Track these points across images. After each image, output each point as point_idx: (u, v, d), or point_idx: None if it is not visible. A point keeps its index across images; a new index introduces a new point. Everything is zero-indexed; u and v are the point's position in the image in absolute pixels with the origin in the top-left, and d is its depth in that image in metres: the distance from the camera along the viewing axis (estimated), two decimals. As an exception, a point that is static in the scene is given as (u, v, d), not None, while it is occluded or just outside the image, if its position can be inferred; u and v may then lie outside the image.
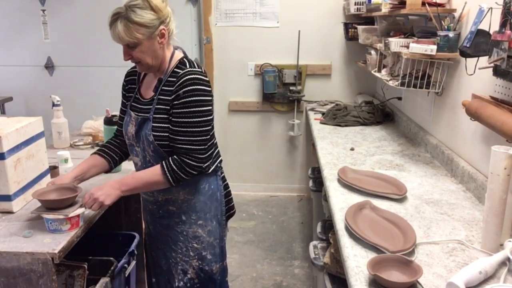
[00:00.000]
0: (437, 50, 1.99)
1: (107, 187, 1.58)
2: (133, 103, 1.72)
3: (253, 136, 4.09)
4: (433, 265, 1.29)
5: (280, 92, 3.90)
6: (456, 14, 2.03)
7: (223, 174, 1.84)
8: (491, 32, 1.54)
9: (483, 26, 1.62)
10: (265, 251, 3.17)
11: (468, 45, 1.65)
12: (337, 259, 1.71)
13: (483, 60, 1.62)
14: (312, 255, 1.90)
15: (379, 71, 2.81)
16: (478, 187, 1.75)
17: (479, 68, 1.69)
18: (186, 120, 1.56)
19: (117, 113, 1.89)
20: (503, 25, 1.43)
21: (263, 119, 4.05)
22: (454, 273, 1.21)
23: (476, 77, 1.80)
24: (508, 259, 1.25)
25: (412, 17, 2.67)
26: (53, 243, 1.46)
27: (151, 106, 1.63)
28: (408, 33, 2.39)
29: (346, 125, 3.01)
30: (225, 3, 3.80)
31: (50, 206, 1.56)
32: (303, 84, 3.89)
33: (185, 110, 1.55)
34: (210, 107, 1.60)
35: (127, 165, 2.02)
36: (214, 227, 1.78)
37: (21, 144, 1.70)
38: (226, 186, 1.85)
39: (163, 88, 1.61)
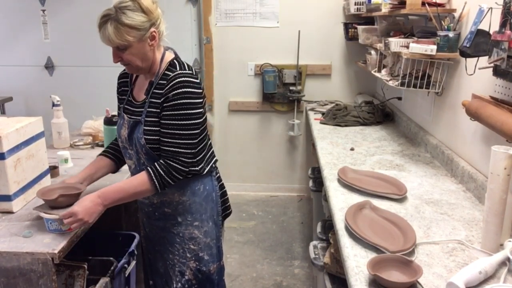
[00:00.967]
0: (437, 50, 1.99)
1: (88, 203, 1.50)
2: (126, 106, 1.72)
3: (253, 136, 4.09)
4: (433, 265, 1.29)
5: (280, 92, 3.90)
6: (456, 14, 2.03)
7: (218, 175, 1.83)
8: (491, 32, 1.54)
9: (483, 26, 1.62)
10: (265, 251, 3.17)
11: (468, 45, 1.65)
12: (337, 259, 1.71)
13: (483, 60, 1.62)
14: (312, 255, 1.90)
15: (379, 71, 2.81)
16: (478, 187, 1.75)
17: (479, 68, 1.69)
18: (174, 122, 1.54)
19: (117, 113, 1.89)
20: (503, 25, 1.43)
21: (263, 119, 4.05)
22: (454, 273, 1.21)
23: (476, 77, 1.80)
24: (508, 259, 1.25)
25: (412, 17, 2.67)
26: (53, 243, 1.46)
27: (143, 109, 1.61)
28: (408, 33, 2.39)
29: (346, 125, 3.01)
30: (225, 3, 3.80)
31: (53, 205, 1.56)
32: (303, 84, 3.89)
33: (173, 112, 1.53)
34: (200, 110, 1.58)
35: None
36: (211, 228, 1.77)
37: (21, 144, 1.70)
38: (222, 186, 1.84)
39: (154, 91, 1.59)
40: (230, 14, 3.83)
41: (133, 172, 1.73)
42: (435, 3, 2.07)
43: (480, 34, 1.62)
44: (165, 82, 1.56)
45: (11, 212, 1.67)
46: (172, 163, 1.55)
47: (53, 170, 2.01)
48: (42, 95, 3.85)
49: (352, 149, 2.45)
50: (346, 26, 3.64)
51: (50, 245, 1.45)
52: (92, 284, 1.73)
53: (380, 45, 2.63)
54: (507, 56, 1.42)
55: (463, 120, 1.95)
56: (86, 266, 1.74)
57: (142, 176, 1.55)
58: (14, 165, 1.65)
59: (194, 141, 1.58)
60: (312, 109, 3.61)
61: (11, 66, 4.07)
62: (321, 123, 3.11)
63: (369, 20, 3.32)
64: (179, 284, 1.77)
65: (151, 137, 1.57)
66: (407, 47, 2.15)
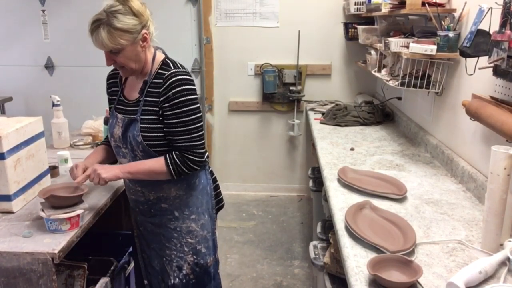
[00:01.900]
0: (437, 50, 1.99)
1: (107, 165, 1.67)
2: (117, 105, 1.74)
3: (253, 136, 4.09)
4: (433, 265, 1.29)
5: (280, 92, 3.90)
6: (456, 14, 2.03)
7: (210, 168, 1.89)
8: (491, 32, 1.54)
9: (483, 26, 1.62)
10: (265, 251, 3.17)
11: (468, 45, 1.65)
12: (337, 259, 1.71)
13: (483, 60, 1.62)
14: (312, 255, 1.90)
15: (379, 71, 2.81)
16: (478, 187, 1.75)
17: (479, 68, 1.69)
18: (181, 120, 1.59)
19: None
20: (503, 25, 1.43)
21: (263, 119, 4.05)
22: (454, 273, 1.21)
23: (476, 77, 1.80)
24: (508, 259, 1.25)
25: (412, 17, 2.67)
26: (53, 243, 1.46)
27: (137, 108, 1.65)
28: (408, 33, 2.39)
29: (346, 125, 3.01)
30: (225, 3, 3.80)
31: (55, 204, 1.56)
32: (303, 84, 3.89)
33: (178, 111, 1.59)
34: (198, 104, 1.65)
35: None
36: (206, 221, 1.81)
37: (21, 144, 1.70)
38: (215, 180, 1.90)
39: (149, 90, 1.63)
40: (230, 14, 3.83)
41: None
42: (435, 3, 2.07)
43: (480, 34, 1.62)
44: (160, 81, 1.60)
45: (11, 212, 1.67)
46: (189, 156, 1.62)
47: (53, 170, 2.01)
48: (42, 95, 3.85)
49: (352, 149, 2.45)
50: (346, 26, 3.64)
51: (50, 245, 1.45)
52: (92, 284, 1.74)
53: (380, 45, 2.63)
54: (507, 56, 1.42)
55: (463, 120, 1.95)
56: (86, 266, 1.75)
57: (160, 159, 1.62)
58: (14, 165, 1.65)
59: (201, 133, 1.66)
60: (312, 109, 3.61)
61: (11, 66, 4.07)
62: (321, 123, 3.11)
63: (369, 20, 3.32)
64: (177, 280, 1.79)
65: (148, 134, 1.62)
66: (407, 47, 2.15)
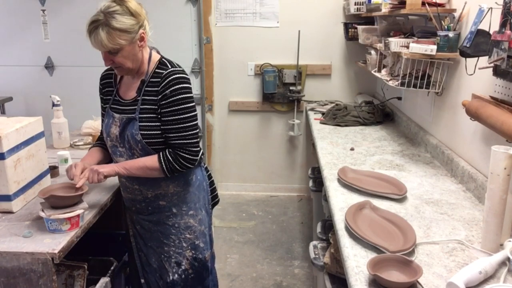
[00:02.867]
0: (437, 50, 1.99)
1: (104, 164, 1.72)
2: (113, 105, 1.75)
3: (253, 136, 4.09)
4: (433, 265, 1.29)
5: (280, 92, 3.90)
6: (456, 14, 2.03)
7: (206, 165, 1.93)
8: (491, 32, 1.54)
9: (483, 26, 1.62)
10: (265, 251, 3.17)
11: (468, 45, 1.65)
12: (337, 259, 1.71)
13: (483, 60, 1.62)
14: (312, 255, 1.90)
15: (379, 71, 2.81)
16: (478, 187, 1.75)
17: (479, 68, 1.69)
18: (177, 117, 1.63)
19: None
20: (503, 25, 1.43)
21: (263, 119, 4.05)
22: (454, 273, 1.21)
23: (476, 77, 1.80)
24: (508, 259, 1.25)
25: (412, 17, 2.67)
26: (53, 243, 1.46)
27: (135, 107, 1.67)
28: (408, 33, 2.39)
29: (346, 125, 3.01)
30: (225, 3, 3.80)
31: (55, 204, 1.56)
32: (303, 84, 3.89)
33: (174, 108, 1.62)
34: (194, 103, 1.69)
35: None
36: (204, 216, 1.85)
37: (21, 144, 1.70)
38: (210, 176, 1.93)
39: (146, 89, 1.66)
40: (230, 14, 3.83)
41: None
42: (435, 3, 2.07)
43: (480, 34, 1.62)
44: (158, 79, 1.63)
45: (11, 212, 1.67)
46: (182, 154, 1.65)
47: (53, 170, 2.01)
48: (42, 95, 3.85)
49: (352, 149, 2.45)
50: (346, 26, 3.64)
51: (50, 245, 1.45)
52: (92, 284, 1.73)
53: (380, 45, 2.63)
54: (507, 56, 1.42)
55: (463, 120, 1.95)
56: (86, 266, 1.75)
57: (154, 156, 1.66)
58: (14, 165, 1.65)
59: (196, 131, 1.68)
60: (312, 109, 3.61)
61: (11, 66, 4.07)
62: (321, 123, 3.11)
63: (369, 20, 3.32)
64: (176, 275, 1.81)
65: (147, 133, 1.65)
66: (407, 47, 2.15)
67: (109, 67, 1.70)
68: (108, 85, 1.80)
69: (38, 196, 1.64)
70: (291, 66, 3.84)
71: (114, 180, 1.97)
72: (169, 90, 1.61)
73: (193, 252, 1.82)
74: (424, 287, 1.18)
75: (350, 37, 3.61)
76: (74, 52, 3.95)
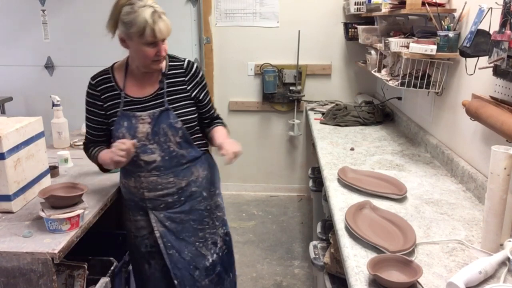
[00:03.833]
0: (437, 50, 1.99)
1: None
2: (127, 107, 1.72)
3: (253, 136, 4.09)
4: (433, 265, 1.29)
5: (280, 92, 3.90)
6: (456, 14, 2.03)
7: None
8: (491, 32, 1.54)
9: (483, 26, 1.62)
10: (265, 251, 3.17)
11: (468, 45, 1.65)
12: (337, 259, 1.71)
13: (483, 60, 1.62)
14: (312, 255, 1.90)
15: (379, 71, 2.81)
16: (478, 187, 1.75)
17: (479, 68, 1.69)
18: (209, 97, 1.88)
19: None
20: (503, 25, 1.43)
21: (263, 119, 4.05)
22: (454, 273, 1.21)
23: (476, 77, 1.80)
24: (508, 259, 1.25)
25: (412, 17, 2.67)
26: (53, 243, 1.46)
27: (161, 100, 1.73)
28: (408, 33, 2.39)
29: (346, 125, 3.01)
30: (225, 3, 3.80)
31: (55, 204, 1.56)
32: (303, 84, 3.89)
33: (206, 90, 1.86)
34: None
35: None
36: (221, 192, 2.03)
37: (21, 144, 1.70)
38: None
39: (168, 81, 1.76)
40: (230, 14, 3.83)
41: (159, 166, 1.74)
42: (435, 3, 2.07)
43: (480, 34, 1.62)
44: (179, 70, 1.79)
45: (11, 212, 1.67)
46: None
47: (53, 170, 2.01)
48: (42, 95, 3.85)
49: (352, 149, 2.45)
50: (346, 26, 3.64)
51: (50, 245, 1.45)
52: (92, 284, 1.74)
53: (380, 45, 2.63)
54: (507, 56, 1.42)
55: (463, 120, 1.95)
56: (86, 266, 1.75)
57: (220, 127, 1.92)
58: (14, 165, 1.65)
59: None
60: (312, 109, 3.61)
61: (11, 66, 4.07)
62: (321, 123, 3.11)
63: (369, 20, 3.32)
64: (214, 256, 1.91)
65: (184, 118, 1.75)
66: (407, 47, 2.15)
67: (98, 72, 1.76)
68: (109, 90, 1.74)
69: (38, 196, 1.64)
70: (291, 66, 3.84)
71: (115, 180, 1.97)
72: (198, 77, 1.82)
73: (223, 228, 1.96)
74: (424, 287, 1.18)
75: (350, 37, 3.61)
76: (74, 52, 3.96)
